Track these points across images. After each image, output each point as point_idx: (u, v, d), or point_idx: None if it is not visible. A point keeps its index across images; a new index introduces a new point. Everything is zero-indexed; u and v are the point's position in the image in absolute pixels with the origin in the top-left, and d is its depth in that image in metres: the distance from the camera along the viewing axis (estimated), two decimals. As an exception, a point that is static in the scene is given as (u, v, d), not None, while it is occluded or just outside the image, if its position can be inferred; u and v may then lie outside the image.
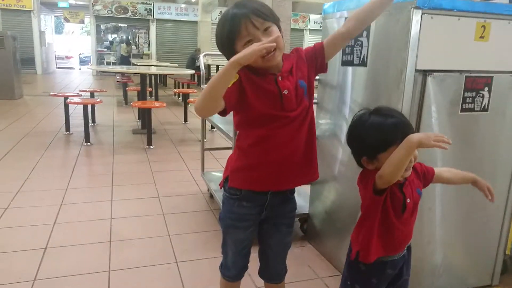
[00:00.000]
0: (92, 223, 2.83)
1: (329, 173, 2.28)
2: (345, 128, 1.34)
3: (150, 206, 3.16)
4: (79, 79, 14.81)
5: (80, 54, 24.74)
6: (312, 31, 18.36)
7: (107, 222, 2.83)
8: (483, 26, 1.73)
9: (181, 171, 4.10)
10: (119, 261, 2.32)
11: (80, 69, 21.25)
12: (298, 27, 18.18)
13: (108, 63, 16.74)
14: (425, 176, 1.37)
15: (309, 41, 18.04)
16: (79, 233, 2.66)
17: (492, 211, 2.06)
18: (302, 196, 2.65)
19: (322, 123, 2.37)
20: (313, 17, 18.20)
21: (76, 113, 6.59)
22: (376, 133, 1.24)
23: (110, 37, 17.50)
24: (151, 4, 16.63)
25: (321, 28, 2.46)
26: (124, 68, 7.86)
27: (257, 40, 1.24)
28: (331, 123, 2.29)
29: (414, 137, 1.12)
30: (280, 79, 1.34)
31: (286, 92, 1.33)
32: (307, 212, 2.58)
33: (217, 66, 12.25)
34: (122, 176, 3.84)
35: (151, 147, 5.00)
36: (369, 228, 1.31)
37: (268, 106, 1.34)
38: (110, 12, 16.41)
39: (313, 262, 2.38)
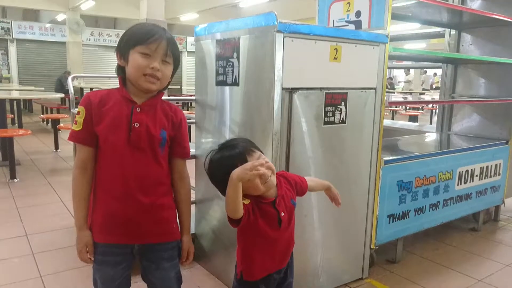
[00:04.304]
0: None
1: (212, 192, 2.30)
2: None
3: (16, 247, 2.79)
4: None
5: None
6: (190, 53, 18.51)
7: (-39, 272, 2.41)
8: (336, 49, 1.98)
9: (53, 204, 3.72)
10: (-22, 316, 2.00)
11: None
12: (175, 49, 18.17)
13: (-43, 88, 14.46)
14: (298, 186, 1.49)
15: (187, 62, 18.14)
16: None
17: (358, 211, 2.31)
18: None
19: (203, 142, 2.40)
20: (190, 39, 18.41)
21: None
22: (220, 168, 1.33)
23: (-42, 58, 15.22)
24: (9, 23, 14.94)
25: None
26: (-23, 94, 6.88)
27: (152, 59, 1.27)
28: (212, 141, 2.33)
29: (233, 174, 1.22)
30: (138, 110, 1.32)
31: (137, 125, 1.30)
32: (194, 232, 2.57)
33: (91, 88, 11.53)
34: (-21, 217, 3.33)
35: (15, 180, 4.45)
36: (246, 250, 1.38)
37: (114, 133, 1.30)
38: (-42, 30, 14.28)
39: (203, 282, 2.36)
